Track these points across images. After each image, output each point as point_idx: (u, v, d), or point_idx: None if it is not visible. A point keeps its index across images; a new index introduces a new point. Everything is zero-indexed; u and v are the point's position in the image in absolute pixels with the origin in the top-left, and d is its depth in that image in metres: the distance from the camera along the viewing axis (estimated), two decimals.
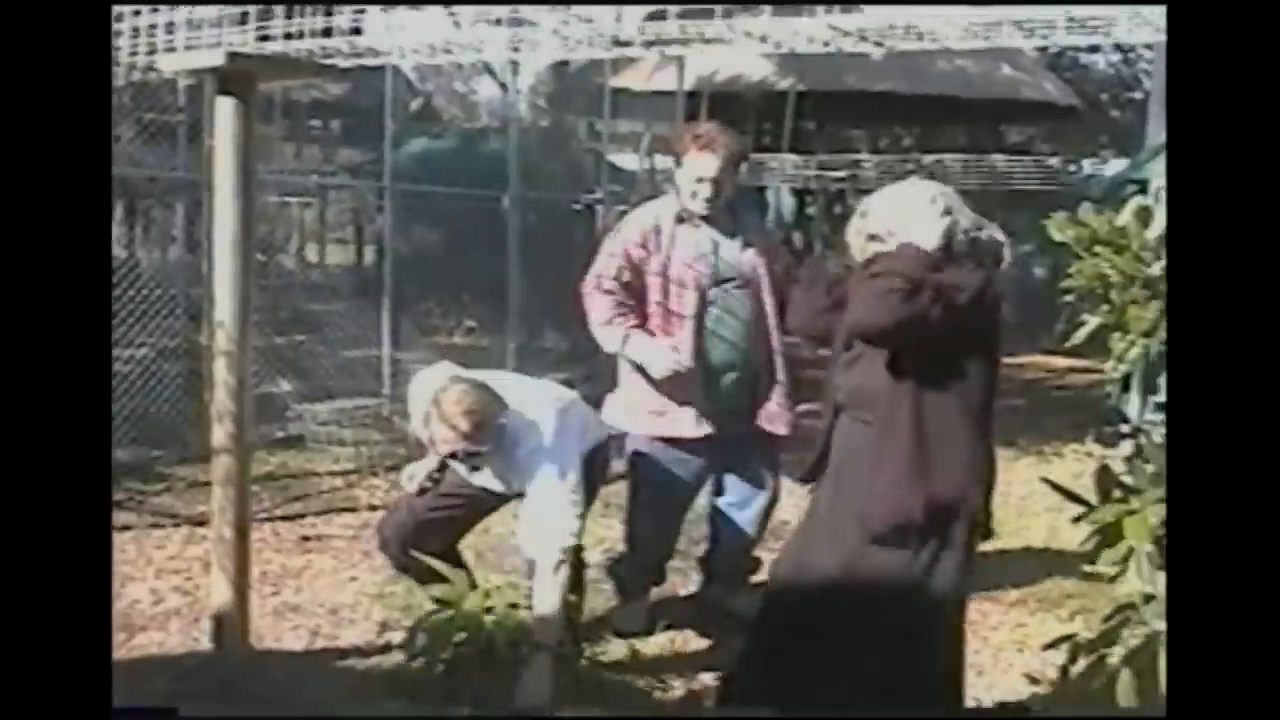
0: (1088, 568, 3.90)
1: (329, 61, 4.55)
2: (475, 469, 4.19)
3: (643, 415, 4.54)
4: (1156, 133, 10.70)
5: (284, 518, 6.17)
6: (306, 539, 5.86)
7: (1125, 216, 4.01)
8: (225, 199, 3.85)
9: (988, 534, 3.56)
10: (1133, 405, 7.61)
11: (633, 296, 4.48)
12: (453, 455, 4.08)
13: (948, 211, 3.52)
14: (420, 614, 3.90)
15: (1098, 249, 3.89)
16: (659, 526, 4.70)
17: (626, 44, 4.98)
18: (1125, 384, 8.13)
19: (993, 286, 3.57)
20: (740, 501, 4.69)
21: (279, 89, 10.04)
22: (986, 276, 3.53)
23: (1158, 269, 3.88)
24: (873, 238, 3.52)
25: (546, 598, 3.89)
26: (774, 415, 4.58)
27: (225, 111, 3.84)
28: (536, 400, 4.17)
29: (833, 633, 3.45)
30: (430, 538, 4.21)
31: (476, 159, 12.85)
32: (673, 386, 4.42)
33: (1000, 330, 3.57)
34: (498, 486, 4.23)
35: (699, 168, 4.44)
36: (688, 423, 4.46)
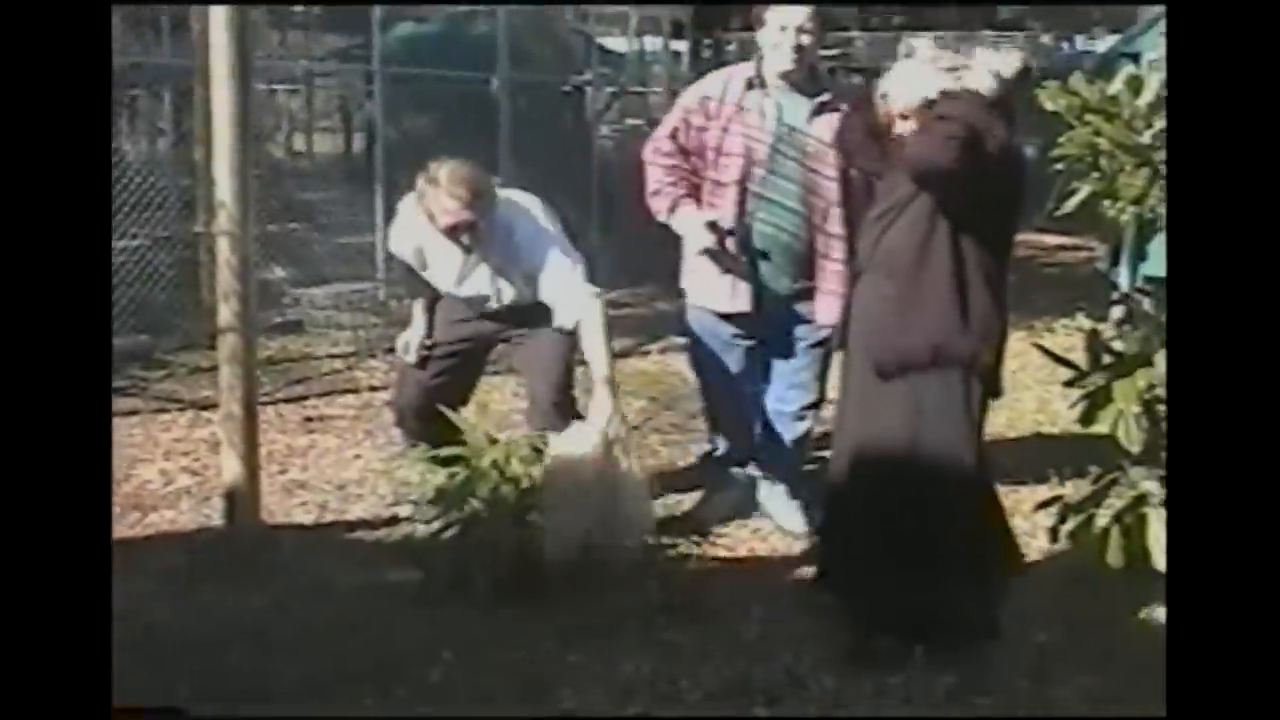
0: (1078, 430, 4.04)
1: None
2: (476, 255, 4.26)
3: (691, 281, 4.51)
4: (1147, 7, 10.64)
5: (286, 400, 6.25)
6: (310, 420, 5.95)
7: (1117, 85, 4.06)
8: (221, 81, 3.87)
9: (997, 392, 3.63)
10: (1123, 276, 7.68)
11: (690, 164, 4.40)
12: (454, 230, 4.12)
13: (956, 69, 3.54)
14: (432, 483, 3.97)
15: (1088, 117, 3.94)
16: (720, 405, 4.64)
17: None
18: (1115, 256, 8.21)
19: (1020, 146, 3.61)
20: (780, 401, 4.55)
21: None
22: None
23: (1148, 136, 3.93)
24: (903, 116, 3.54)
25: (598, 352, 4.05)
26: (825, 303, 4.32)
27: None
28: (524, 197, 4.38)
29: (879, 498, 3.55)
30: (440, 402, 4.28)
31: (464, 42, 12.71)
32: (714, 257, 4.33)
33: (1025, 192, 3.59)
34: (500, 288, 4.32)
35: (781, 15, 4.25)
36: (724, 296, 4.38)
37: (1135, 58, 7.59)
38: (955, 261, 3.38)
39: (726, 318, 4.42)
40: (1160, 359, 3.61)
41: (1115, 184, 3.86)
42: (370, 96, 10.76)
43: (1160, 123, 3.81)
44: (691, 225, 4.33)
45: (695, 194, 4.38)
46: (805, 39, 4.23)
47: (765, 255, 4.35)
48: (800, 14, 4.24)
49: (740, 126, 4.29)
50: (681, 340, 4.96)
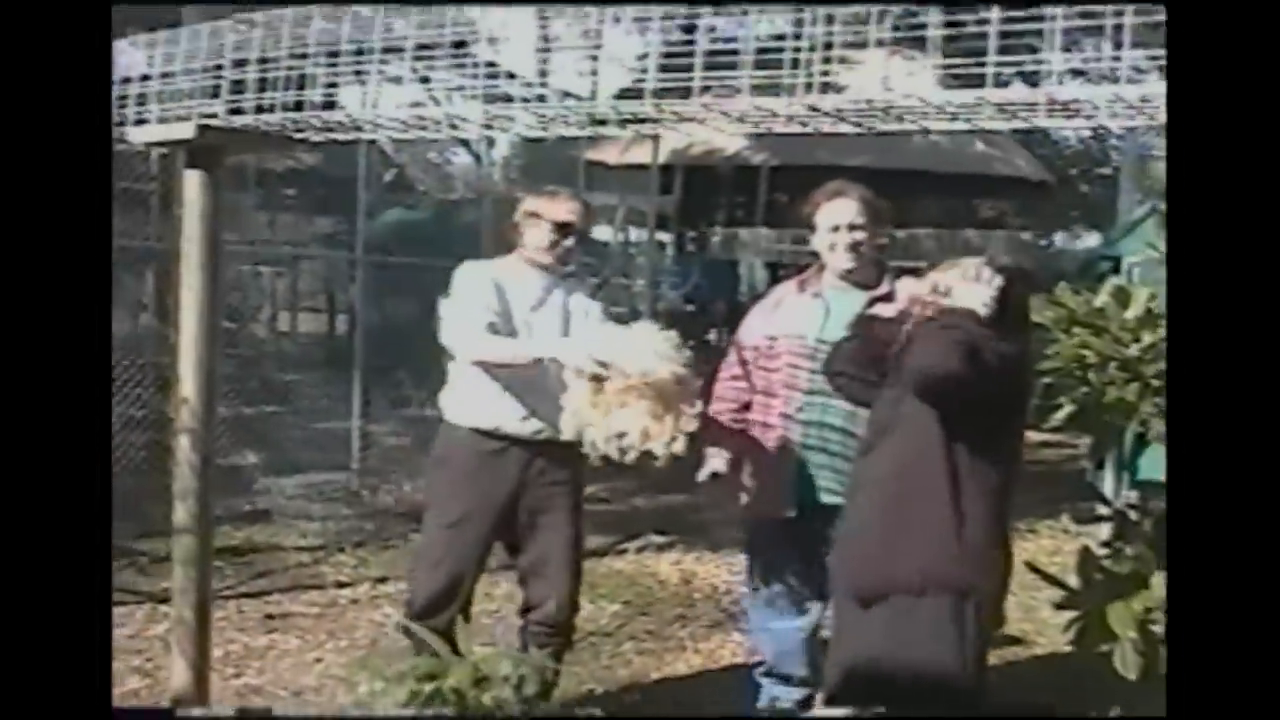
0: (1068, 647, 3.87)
1: (300, 136, 4.49)
2: (554, 286, 4.23)
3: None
4: (1127, 208, 10.77)
5: (248, 594, 6.04)
6: (271, 617, 5.73)
7: (1103, 297, 4.01)
8: (191, 272, 3.78)
9: (999, 622, 3.46)
10: (1108, 484, 7.56)
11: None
12: (564, 229, 4.16)
13: (989, 283, 3.46)
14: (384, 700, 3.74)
15: (1076, 330, 3.87)
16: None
17: (602, 122, 4.92)
18: (1100, 461, 8.09)
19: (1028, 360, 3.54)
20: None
21: (253, 159, 9.99)
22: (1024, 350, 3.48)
23: (1135, 350, 3.86)
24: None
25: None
26: None
27: (193, 183, 3.79)
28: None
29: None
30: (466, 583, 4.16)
31: (450, 230, 12.83)
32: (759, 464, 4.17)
33: (1028, 406, 3.54)
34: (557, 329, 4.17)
35: (833, 214, 4.15)
36: (767, 500, 4.16)
37: (1116, 261, 7.59)
38: (951, 483, 3.24)
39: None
40: (1158, 581, 3.47)
41: (1104, 397, 3.77)
42: (354, 281, 10.78)
43: (1149, 336, 3.74)
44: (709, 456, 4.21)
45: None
46: (860, 235, 4.11)
47: (805, 465, 4.09)
48: (850, 209, 4.13)
49: (785, 333, 4.15)
50: (660, 539, 4.81)
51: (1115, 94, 3.51)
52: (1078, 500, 8.04)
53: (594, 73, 18.68)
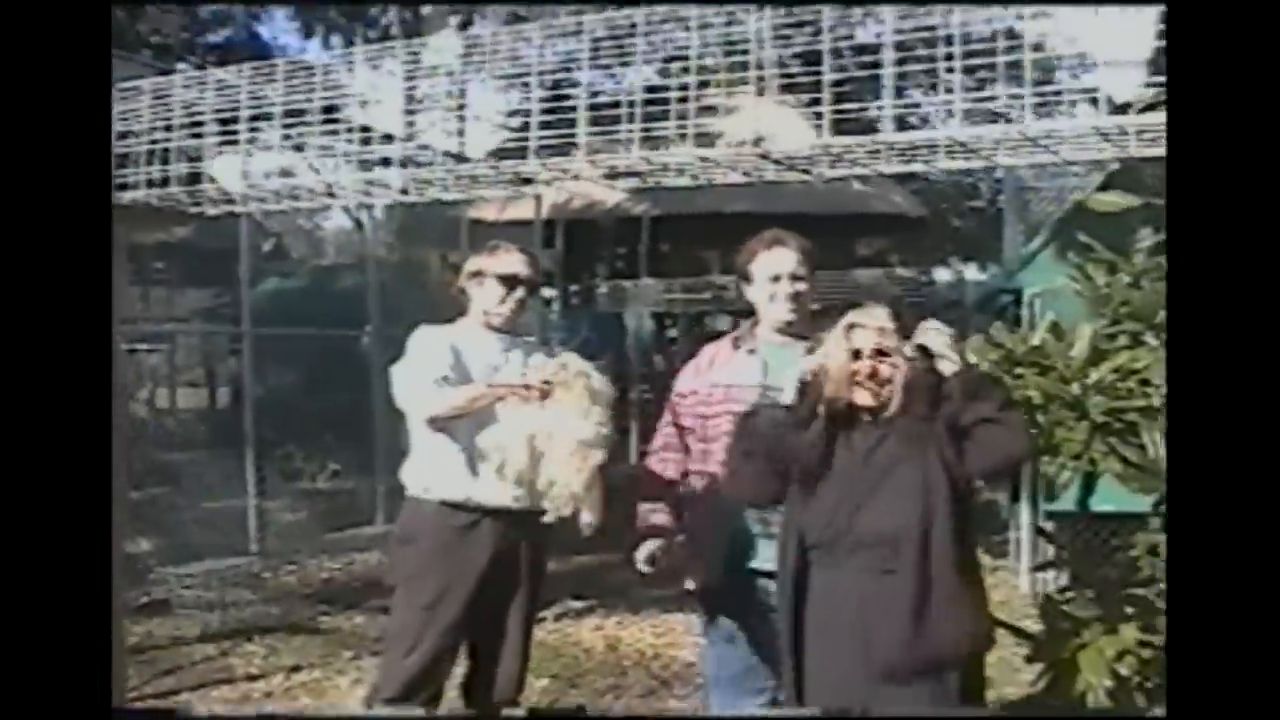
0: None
1: (195, 210, 4.27)
2: (514, 346, 4.12)
3: None
4: (1012, 242, 10.88)
5: (155, 695, 5.70)
6: None
7: (1040, 334, 3.94)
8: None
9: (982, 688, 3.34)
10: (1023, 516, 7.57)
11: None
12: (513, 282, 4.08)
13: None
14: None
15: (1019, 370, 3.80)
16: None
17: (480, 183, 4.76)
18: (1015, 494, 8.10)
19: None
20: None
21: (124, 233, 9.64)
22: None
23: (1077, 388, 3.79)
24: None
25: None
26: None
27: None
28: None
29: None
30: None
31: (331, 296, 12.60)
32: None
33: None
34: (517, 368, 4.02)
35: (772, 264, 3.98)
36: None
37: (1016, 294, 7.63)
38: (959, 540, 3.12)
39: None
40: (1129, 631, 3.39)
41: (1053, 439, 3.69)
42: (234, 354, 10.47)
43: (1095, 374, 3.68)
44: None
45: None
46: (800, 285, 3.96)
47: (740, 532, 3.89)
48: (790, 259, 3.98)
49: (717, 393, 3.96)
50: (578, 604, 4.63)
51: (1081, 126, 3.47)
52: (989, 535, 8.09)
53: (461, 132, 18.57)
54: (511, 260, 4.12)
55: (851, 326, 3.29)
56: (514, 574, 4.04)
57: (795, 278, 3.96)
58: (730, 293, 14.77)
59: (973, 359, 3.78)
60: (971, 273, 15.43)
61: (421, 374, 3.91)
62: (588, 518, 3.76)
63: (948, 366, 3.26)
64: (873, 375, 3.24)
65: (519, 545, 4.02)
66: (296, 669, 6.07)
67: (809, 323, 3.94)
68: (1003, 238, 11.40)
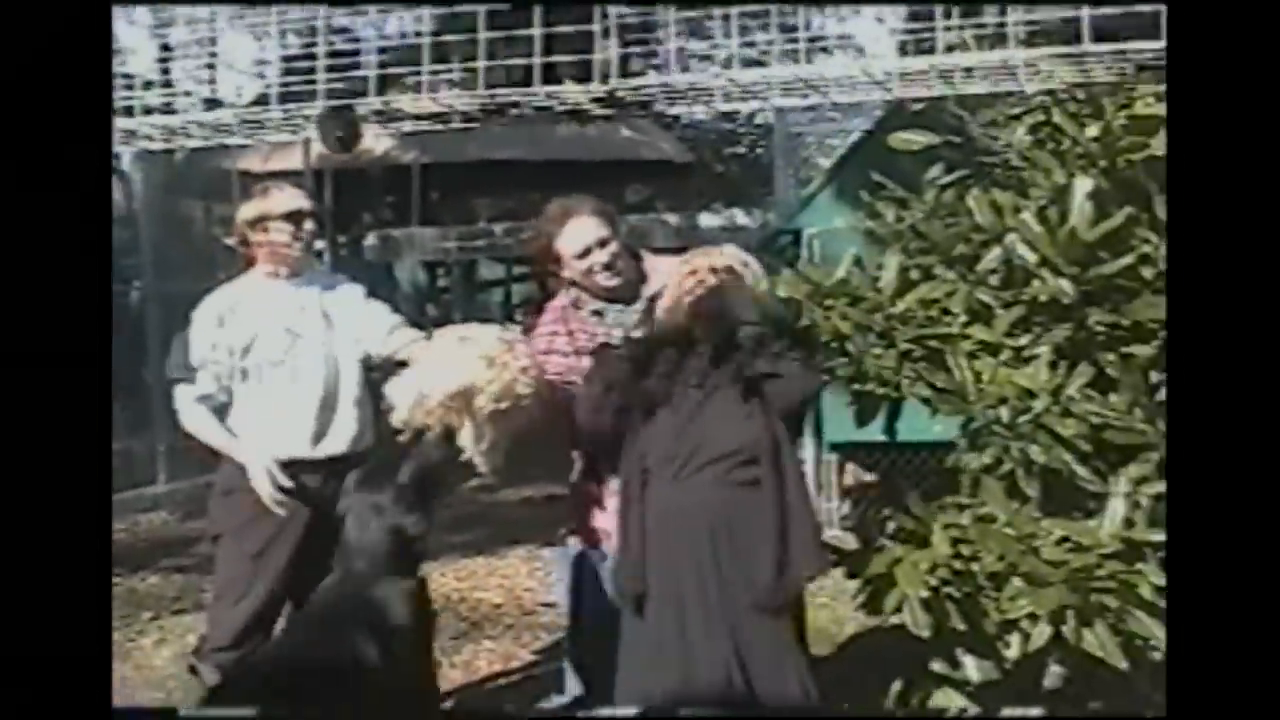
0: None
1: None
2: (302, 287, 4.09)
3: None
4: (783, 184, 11.17)
5: None
6: None
7: (844, 268, 4.10)
8: None
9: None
10: (808, 449, 7.81)
11: None
12: (298, 219, 4.00)
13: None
14: None
15: (829, 302, 3.95)
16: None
17: (227, 131, 4.68)
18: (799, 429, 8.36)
19: None
20: None
21: None
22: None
23: (881, 319, 3.96)
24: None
25: None
26: None
27: None
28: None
29: None
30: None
31: None
32: None
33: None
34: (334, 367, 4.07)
35: (574, 238, 3.90)
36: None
37: (795, 234, 7.84)
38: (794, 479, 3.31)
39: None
40: (941, 545, 3.58)
41: (863, 367, 3.85)
42: None
43: (902, 304, 3.85)
44: None
45: None
46: (612, 248, 3.91)
47: None
48: (590, 227, 3.90)
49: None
50: None
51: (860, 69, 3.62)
52: None
53: (212, 81, 17.90)
54: (290, 197, 4.05)
55: (688, 259, 3.46)
56: (335, 520, 4.00)
57: (604, 243, 3.91)
58: (503, 239, 14.75)
59: (783, 291, 3.95)
60: (741, 218, 15.70)
61: (182, 381, 3.93)
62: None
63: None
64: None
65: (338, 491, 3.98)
66: None
67: (634, 282, 3.96)
68: (769, 182, 11.67)
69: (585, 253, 3.90)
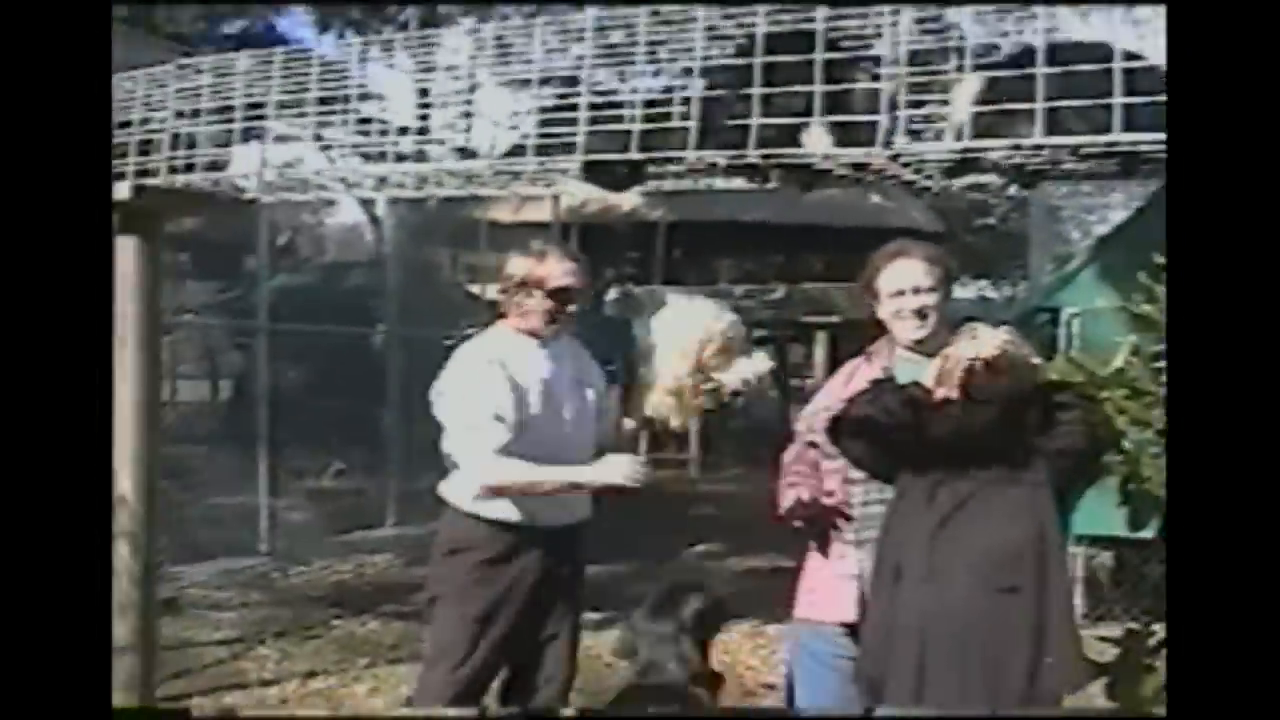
0: None
1: (245, 196, 4.08)
2: (561, 355, 3.98)
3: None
4: (1039, 259, 10.74)
5: (165, 698, 5.48)
6: None
7: (1123, 357, 3.76)
8: (130, 354, 3.35)
9: None
10: None
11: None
12: (564, 294, 3.86)
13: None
14: None
15: (1105, 395, 3.62)
16: None
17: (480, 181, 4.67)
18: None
19: None
20: None
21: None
22: None
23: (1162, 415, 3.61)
24: None
25: None
26: None
27: (129, 253, 3.37)
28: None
29: None
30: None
31: (339, 294, 12.42)
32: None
33: None
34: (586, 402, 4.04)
35: (896, 278, 3.62)
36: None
37: (1054, 313, 7.45)
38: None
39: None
40: None
41: (1139, 467, 3.51)
42: (239, 348, 10.30)
43: None
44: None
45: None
46: (928, 299, 3.60)
47: None
48: (915, 271, 3.62)
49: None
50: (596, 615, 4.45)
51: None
52: None
53: (468, 130, 18.36)
54: (565, 270, 3.85)
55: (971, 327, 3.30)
56: (559, 587, 3.91)
57: (919, 290, 3.62)
58: (742, 301, 14.62)
59: (1055, 377, 3.65)
60: (990, 291, 15.27)
61: (479, 435, 3.74)
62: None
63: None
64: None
65: (564, 559, 3.90)
66: (312, 674, 5.86)
67: (943, 338, 3.66)
68: (1021, 256, 11.29)
69: (899, 294, 3.65)
